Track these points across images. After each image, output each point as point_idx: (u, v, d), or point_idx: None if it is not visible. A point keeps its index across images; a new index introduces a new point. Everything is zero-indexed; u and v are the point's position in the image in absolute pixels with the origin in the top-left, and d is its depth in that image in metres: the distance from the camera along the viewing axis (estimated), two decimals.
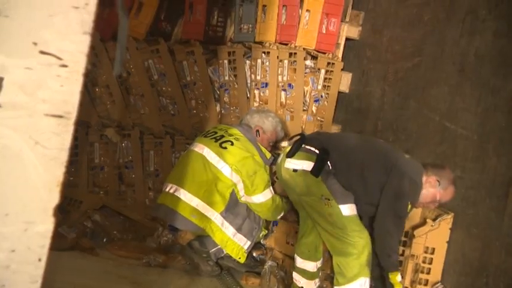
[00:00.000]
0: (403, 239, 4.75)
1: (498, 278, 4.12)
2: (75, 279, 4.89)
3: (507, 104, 4.22)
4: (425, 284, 4.62)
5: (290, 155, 4.63)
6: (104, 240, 6.05)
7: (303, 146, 4.63)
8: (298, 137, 4.82)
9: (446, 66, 4.74)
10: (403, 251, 4.73)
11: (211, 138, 5.51)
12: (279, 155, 5.16)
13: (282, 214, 5.56)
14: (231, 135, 5.52)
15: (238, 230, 5.38)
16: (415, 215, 4.78)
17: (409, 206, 4.37)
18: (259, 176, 5.31)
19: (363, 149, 4.67)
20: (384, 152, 4.55)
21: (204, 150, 5.46)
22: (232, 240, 5.39)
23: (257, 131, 5.61)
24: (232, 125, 5.74)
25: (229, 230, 5.37)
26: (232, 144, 5.42)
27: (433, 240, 4.59)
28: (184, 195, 5.43)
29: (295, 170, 4.59)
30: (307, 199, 4.61)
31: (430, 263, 4.63)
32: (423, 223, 4.65)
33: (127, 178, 6.61)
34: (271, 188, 5.37)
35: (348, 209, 4.51)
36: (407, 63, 5.18)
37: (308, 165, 4.53)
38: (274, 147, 6.02)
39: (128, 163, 6.59)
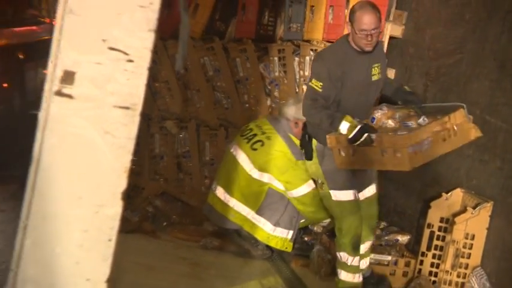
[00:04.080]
0: (443, 225, 4.74)
1: None
2: (139, 260, 4.98)
3: None
4: (466, 268, 4.61)
5: None
6: (164, 224, 6.15)
7: None
8: None
9: (487, 62, 4.68)
10: (444, 237, 4.70)
11: (245, 139, 5.53)
12: None
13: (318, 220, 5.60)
14: (264, 132, 5.49)
15: (277, 224, 5.40)
16: (455, 202, 4.76)
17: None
18: (291, 172, 5.27)
19: None
20: None
21: (237, 152, 5.52)
22: (273, 235, 5.43)
23: (296, 123, 5.54)
24: (268, 119, 5.70)
25: (267, 226, 5.41)
26: (262, 144, 5.41)
27: (473, 226, 4.56)
28: (223, 195, 5.55)
29: None
30: None
31: (470, 248, 4.60)
32: (463, 210, 4.63)
33: (185, 167, 6.68)
34: (309, 182, 5.27)
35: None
36: (449, 60, 5.11)
37: None
38: None
39: (186, 153, 6.66)
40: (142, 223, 5.90)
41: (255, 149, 5.39)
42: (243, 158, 5.42)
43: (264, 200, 5.39)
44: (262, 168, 5.33)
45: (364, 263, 4.89)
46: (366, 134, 4.15)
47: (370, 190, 4.82)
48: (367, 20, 4.22)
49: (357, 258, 4.68)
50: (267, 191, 5.38)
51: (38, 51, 10.40)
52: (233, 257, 5.72)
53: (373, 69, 4.51)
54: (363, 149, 4.21)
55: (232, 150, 5.57)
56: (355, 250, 4.66)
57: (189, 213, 6.40)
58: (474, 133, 4.29)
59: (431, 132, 4.16)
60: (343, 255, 4.67)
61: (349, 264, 4.65)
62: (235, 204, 5.45)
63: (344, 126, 4.26)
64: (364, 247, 4.83)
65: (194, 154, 6.62)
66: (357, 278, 4.71)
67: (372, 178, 4.79)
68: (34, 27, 11.09)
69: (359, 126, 4.19)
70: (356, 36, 4.32)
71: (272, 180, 5.34)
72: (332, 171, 4.60)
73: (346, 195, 4.63)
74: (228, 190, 5.50)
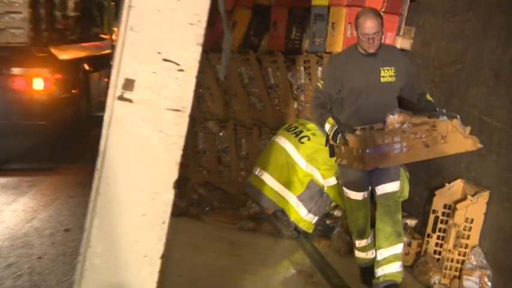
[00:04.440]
0: (446, 211, 4.71)
1: None
2: (185, 239, 5.03)
3: None
4: (466, 247, 4.56)
5: None
6: (207, 208, 6.20)
7: None
8: None
9: (484, 71, 4.62)
10: (447, 221, 4.67)
11: (292, 133, 5.55)
12: None
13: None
14: (308, 130, 5.52)
15: (310, 211, 5.44)
16: (457, 191, 4.73)
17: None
18: (331, 163, 5.18)
19: None
20: None
21: (285, 143, 5.52)
22: (304, 219, 5.48)
23: None
24: (311, 120, 5.68)
25: (302, 211, 5.45)
26: (309, 139, 5.43)
27: (472, 212, 4.50)
28: (268, 179, 5.54)
29: None
30: None
31: (470, 231, 4.55)
32: (464, 198, 4.58)
33: (224, 160, 6.75)
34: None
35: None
36: (451, 69, 5.06)
37: None
38: None
39: (225, 148, 6.73)
40: (189, 208, 5.97)
41: (302, 142, 5.42)
42: (291, 149, 5.45)
43: (305, 190, 5.41)
44: (308, 159, 5.36)
45: (380, 271, 4.37)
46: (339, 134, 4.17)
47: (390, 187, 4.29)
48: (368, 24, 4.13)
49: (364, 241, 4.57)
50: (308, 182, 5.41)
51: (101, 62, 10.56)
52: (265, 237, 5.75)
53: (382, 71, 4.31)
54: (347, 147, 4.16)
55: (280, 142, 5.58)
56: (360, 236, 4.56)
57: (228, 199, 6.47)
58: (471, 145, 4.11)
59: (404, 138, 3.97)
60: (353, 238, 4.65)
61: (357, 246, 4.62)
62: (280, 189, 5.49)
63: (327, 127, 4.32)
64: (381, 254, 4.36)
65: (232, 149, 6.69)
66: (370, 254, 4.60)
67: (392, 176, 4.27)
68: (97, 43, 11.28)
69: (335, 128, 4.22)
70: (360, 40, 4.24)
71: (314, 171, 5.37)
72: (344, 169, 4.46)
73: (355, 195, 4.47)
74: (275, 175, 5.54)
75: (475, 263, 4.47)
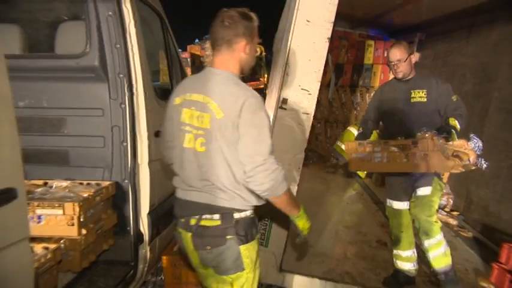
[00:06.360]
0: None
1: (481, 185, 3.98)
2: (301, 176, 5.19)
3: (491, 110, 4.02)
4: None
5: None
6: (310, 162, 6.25)
7: None
8: None
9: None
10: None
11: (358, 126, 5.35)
12: None
13: None
14: None
15: None
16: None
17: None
18: None
19: None
20: None
21: (354, 130, 5.22)
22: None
23: None
24: None
25: None
26: None
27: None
28: (344, 147, 5.47)
29: None
30: None
31: (443, 175, 4.30)
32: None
33: (318, 139, 6.68)
34: None
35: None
36: None
37: None
38: None
39: (319, 133, 6.66)
40: None
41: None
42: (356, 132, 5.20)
43: None
44: None
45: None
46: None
47: (423, 191, 2.63)
48: (391, 53, 2.64)
49: (400, 251, 2.79)
50: None
51: (259, 92, 10.89)
52: (340, 176, 5.80)
53: (412, 93, 2.65)
54: None
55: (351, 130, 5.35)
56: (395, 243, 2.82)
57: (320, 157, 6.44)
58: (453, 167, 2.38)
59: (385, 150, 2.52)
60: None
61: (394, 253, 2.86)
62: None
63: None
64: (427, 243, 2.65)
65: (322, 133, 6.62)
66: (403, 265, 2.81)
67: (424, 183, 2.64)
68: (257, 82, 11.59)
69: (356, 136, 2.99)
70: (391, 69, 2.72)
71: None
72: (386, 178, 2.94)
73: (387, 201, 2.85)
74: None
75: (445, 191, 4.39)
